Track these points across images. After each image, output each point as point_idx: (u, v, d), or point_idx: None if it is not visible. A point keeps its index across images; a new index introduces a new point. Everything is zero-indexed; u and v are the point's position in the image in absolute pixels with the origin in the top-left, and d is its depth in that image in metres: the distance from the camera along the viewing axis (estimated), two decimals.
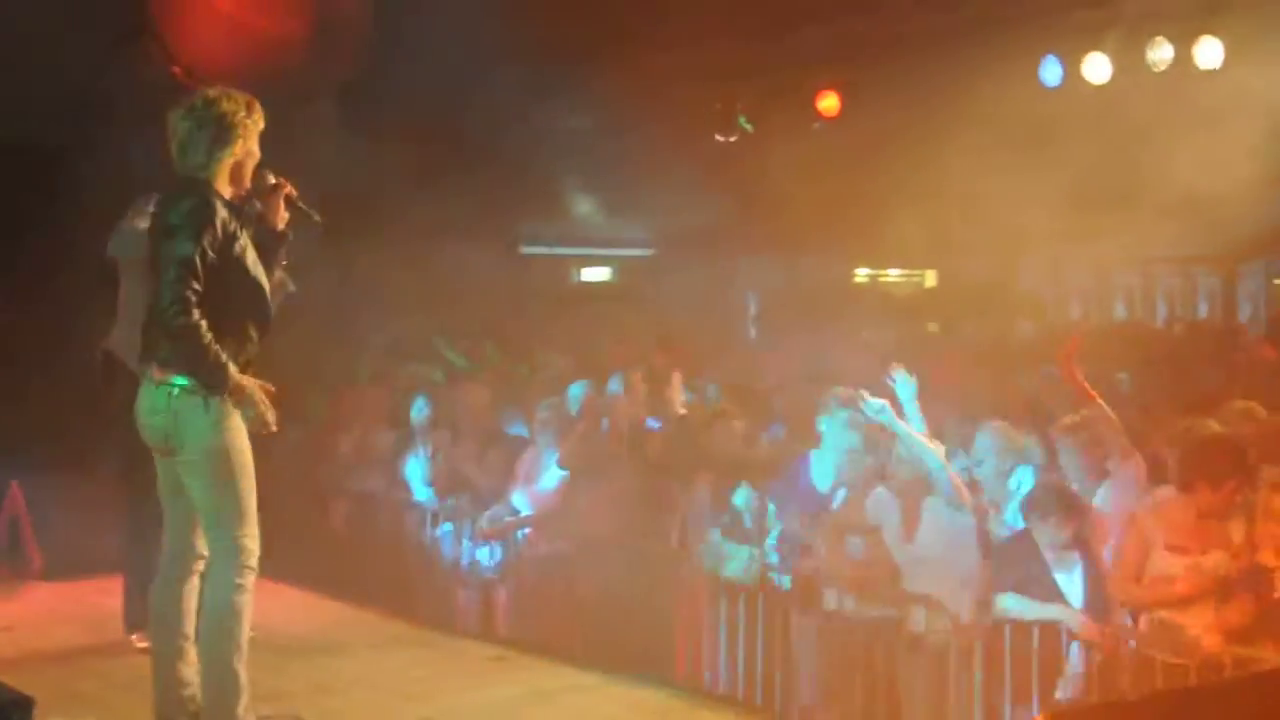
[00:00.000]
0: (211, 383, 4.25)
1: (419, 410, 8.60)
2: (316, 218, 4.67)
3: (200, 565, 4.53)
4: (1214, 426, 6.20)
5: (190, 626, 4.51)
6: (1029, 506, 5.84)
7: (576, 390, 8.28)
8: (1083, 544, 5.78)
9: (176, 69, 7.79)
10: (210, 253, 4.24)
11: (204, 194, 4.33)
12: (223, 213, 4.32)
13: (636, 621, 6.91)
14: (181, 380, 4.27)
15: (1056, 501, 5.75)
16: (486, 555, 7.97)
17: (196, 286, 4.20)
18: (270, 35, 8.16)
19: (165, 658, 4.52)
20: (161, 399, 4.31)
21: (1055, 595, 5.67)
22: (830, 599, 6.27)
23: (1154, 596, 5.54)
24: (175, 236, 4.25)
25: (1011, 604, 5.66)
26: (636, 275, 16.41)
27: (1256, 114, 10.01)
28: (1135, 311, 17.25)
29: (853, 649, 6.10)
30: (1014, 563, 5.81)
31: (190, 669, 4.48)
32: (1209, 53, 8.89)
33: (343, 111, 11.01)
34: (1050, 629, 5.58)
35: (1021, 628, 5.69)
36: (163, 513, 4.57)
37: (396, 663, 5.82)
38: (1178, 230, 15.73)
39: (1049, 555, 5.73)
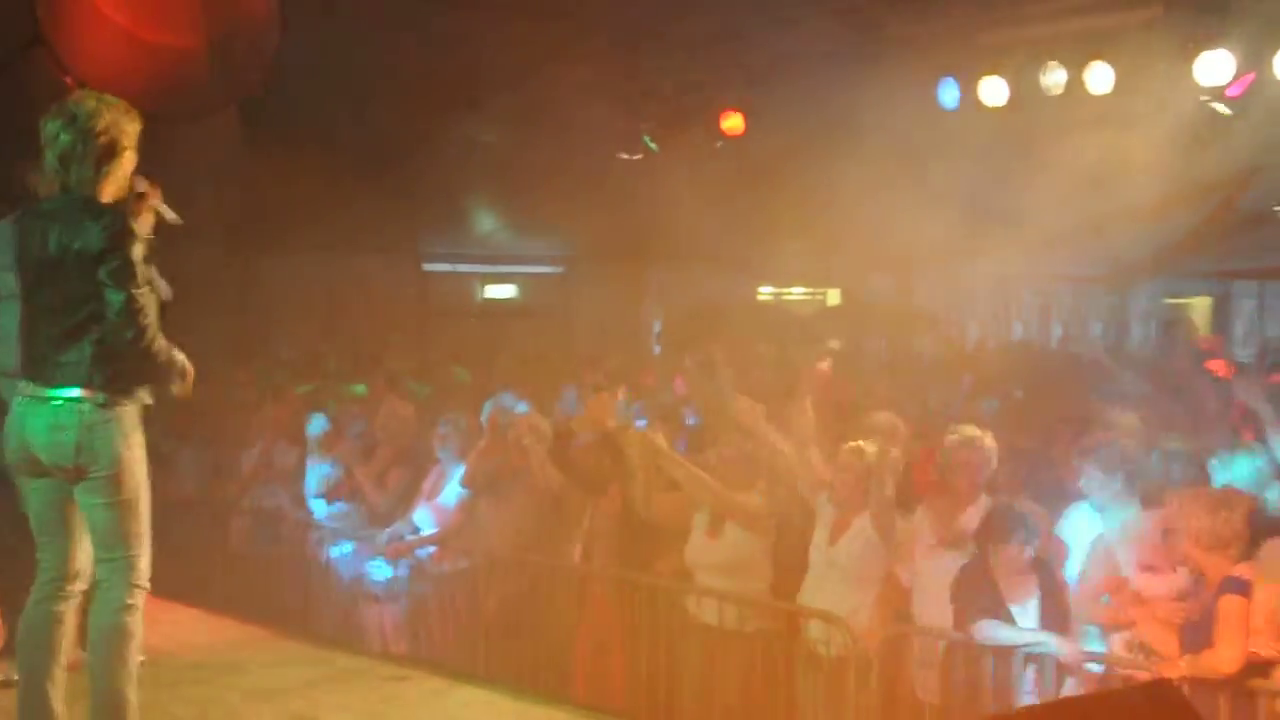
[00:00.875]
0: (183, 381, 4.40)
1: (317, 426, 8.51)
2: (174, 218, 4.58)
3: (76, 588, 4.40)
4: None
5: (64, 653, 4.37)
6: (986, 533, 5.75)
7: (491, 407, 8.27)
8: (1041, 566, 5.76)
9: (69, 79, 7.62)
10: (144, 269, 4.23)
11: (118, 212, 4.26)
12: (136, 229, 4.25)
13: (540, 638, 6.91)
14: (95, 396, 4.20)
15: (1016, 524, 5.66)
16: (387, 572, 7.89)
17: (149, 303, 4.22)
18: (168, 49, 8.01)
19: (38, 685, 4.35)
20: (69, 415, 4.20)
21: (1010, 622, 5.60)
22: (711, 612, 6.33)
23: (1126, 618, 5.49)
24: (114, 258, 4.15)
25: (999, 633, 5.54)
26: (542, 292, 16.41)
27: (1146, 139, 10.33)
28: (1032, 329, 17.65)
29: (747, 663, 6.15)
30: (972, 592, 5.71)
31: (60, 698, 4.34)
32: (1100, 78, 9.13)
33: (246, 125, 10.86)
34: (959, 648, 5.65)
35: (927, 644, 5.76)
36: (36, 537, 4.43)
37: (293, 682, 5.71)
38: (1073, 251, 16.19)
39: (1005, 581, 5.67)
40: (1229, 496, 5.21)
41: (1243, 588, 4.97)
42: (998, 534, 5.68)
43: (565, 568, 7.09)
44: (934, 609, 5.89)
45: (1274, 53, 8.63)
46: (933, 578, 5.95)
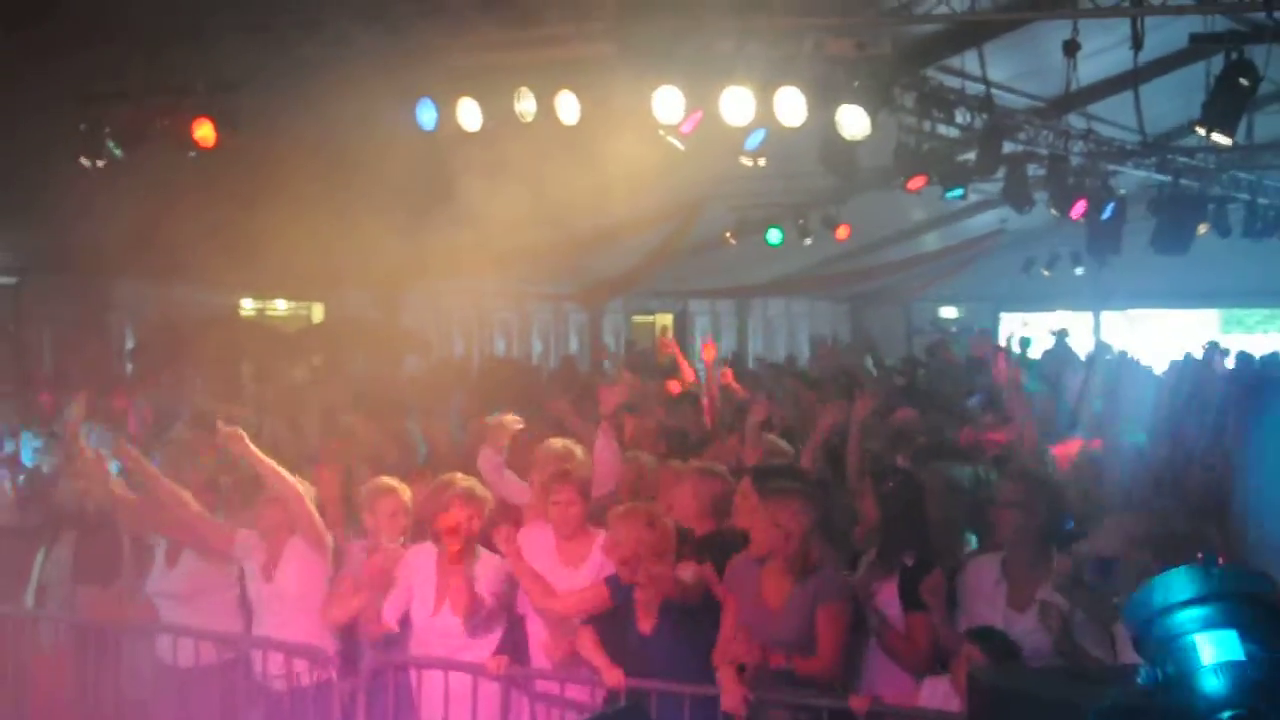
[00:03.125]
0: None
1: None
2: None
3: None
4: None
5: None
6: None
7: None
8: None
9: None
10: None
11: None
12: None
13: None
14: None
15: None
16: None
17: None
18: None
19: None
20: None
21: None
22: (165, 647, 6.09)
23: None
24: None
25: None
26: None
27: (612, 168, 10.94)
28: (513, 345, 18.24)
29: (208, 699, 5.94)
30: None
31: None
32: (568, 107, 9.54)
33: None
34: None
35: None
36: None
37: None
38: (550, 269, 16.92)
39: None
40: (658, 511, 5.61)
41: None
42: None
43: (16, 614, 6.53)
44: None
45: (720, 93, 9.37)
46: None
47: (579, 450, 6.18)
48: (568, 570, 5.76)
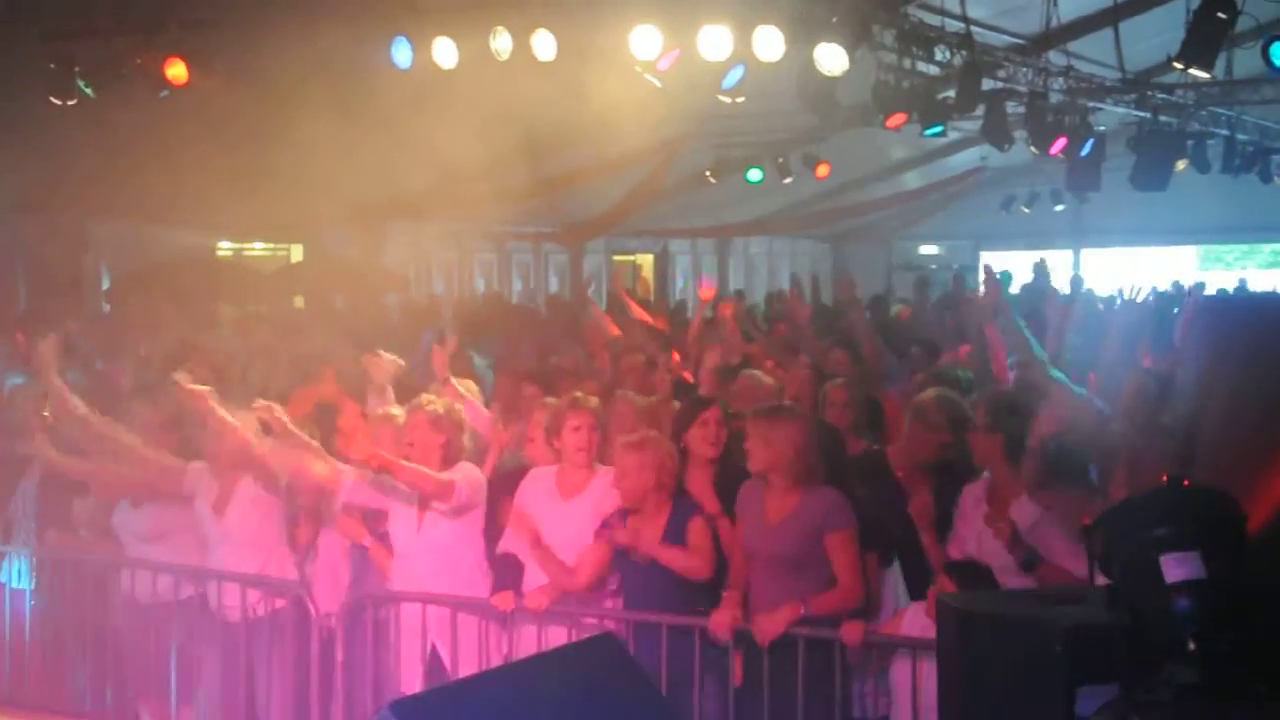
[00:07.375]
0: None
1: None
2: None
3: None
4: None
5: None
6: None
7: None
8: None
9: None
10: None
11: None
12: None
13: None
14: None
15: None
16: None
17: None
18: None
19: None
20: None
21: None
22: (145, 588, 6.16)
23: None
24: None
25: None
26: None
27: (591, 106, 10.87)
28: (493, 285, 18.20)
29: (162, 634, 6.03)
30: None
31: None
32: (544, 45, 9.48)
33: None
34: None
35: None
36: None
37: None
38: (530, 209, 16.85)
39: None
40: (656, 440, 5.62)
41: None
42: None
43: None
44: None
45: (698, 30, 9.33)
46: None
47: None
48: (565, 503, 5.75)
